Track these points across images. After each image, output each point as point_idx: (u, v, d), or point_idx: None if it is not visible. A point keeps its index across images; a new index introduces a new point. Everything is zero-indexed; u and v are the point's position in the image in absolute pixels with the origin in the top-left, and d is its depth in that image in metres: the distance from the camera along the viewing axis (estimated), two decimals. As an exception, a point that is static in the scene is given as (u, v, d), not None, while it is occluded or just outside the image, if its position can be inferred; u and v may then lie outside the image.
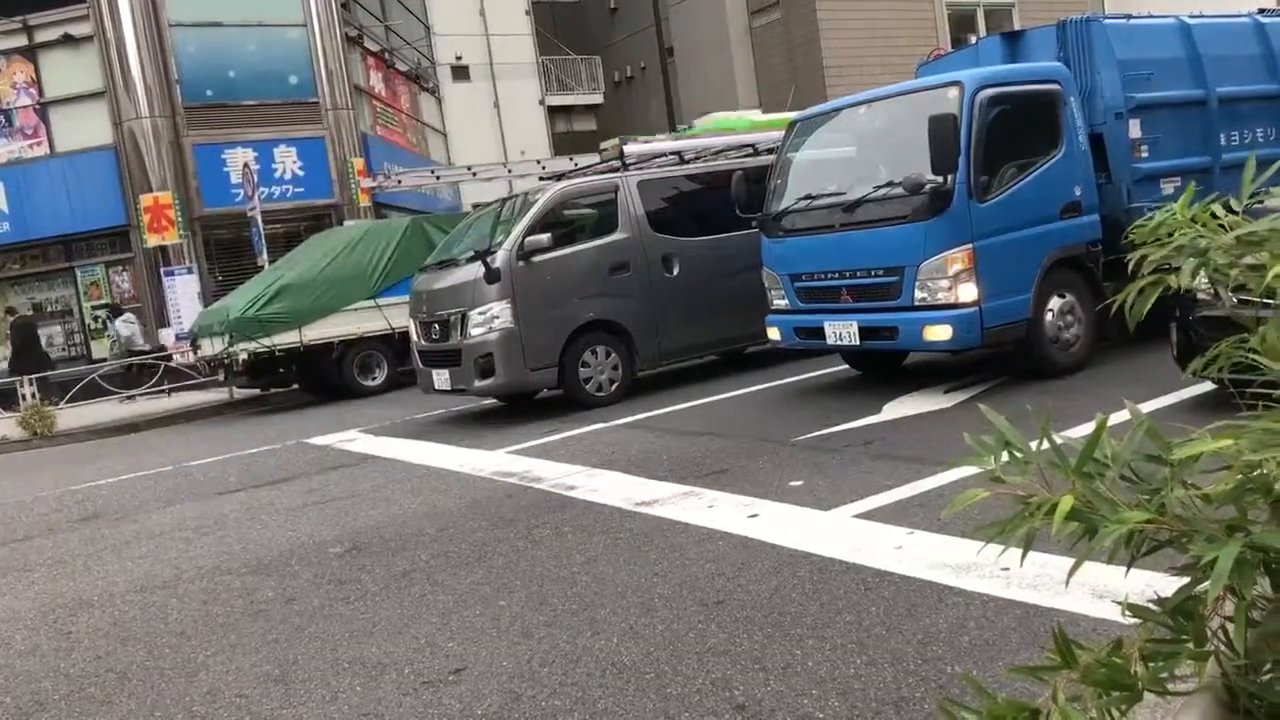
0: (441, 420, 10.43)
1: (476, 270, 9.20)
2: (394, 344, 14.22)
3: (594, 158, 12.96)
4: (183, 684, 3.83)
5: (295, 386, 15.34)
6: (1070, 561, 1.45)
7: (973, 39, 13.56)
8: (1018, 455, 1.42)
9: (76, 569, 5.98)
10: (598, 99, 31.17)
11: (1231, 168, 8.36)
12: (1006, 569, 3.71)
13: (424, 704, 3.33)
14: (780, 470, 5.98)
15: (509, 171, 18.30)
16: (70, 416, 15.08)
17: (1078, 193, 7.84)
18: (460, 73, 28.39)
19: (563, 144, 27.78)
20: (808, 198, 8.27)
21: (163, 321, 19.23)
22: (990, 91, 7.51)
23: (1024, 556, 1.44)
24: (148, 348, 17.78)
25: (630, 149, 11.18)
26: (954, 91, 7.45)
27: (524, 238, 9.22)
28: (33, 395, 15.94)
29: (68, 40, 19.51)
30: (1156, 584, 1.63)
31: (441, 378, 9.76)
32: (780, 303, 8.59)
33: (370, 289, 14.23)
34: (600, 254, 9.66)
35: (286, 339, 13.75)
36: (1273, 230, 1.55)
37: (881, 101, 8.22)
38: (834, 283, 8.03)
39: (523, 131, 27.97)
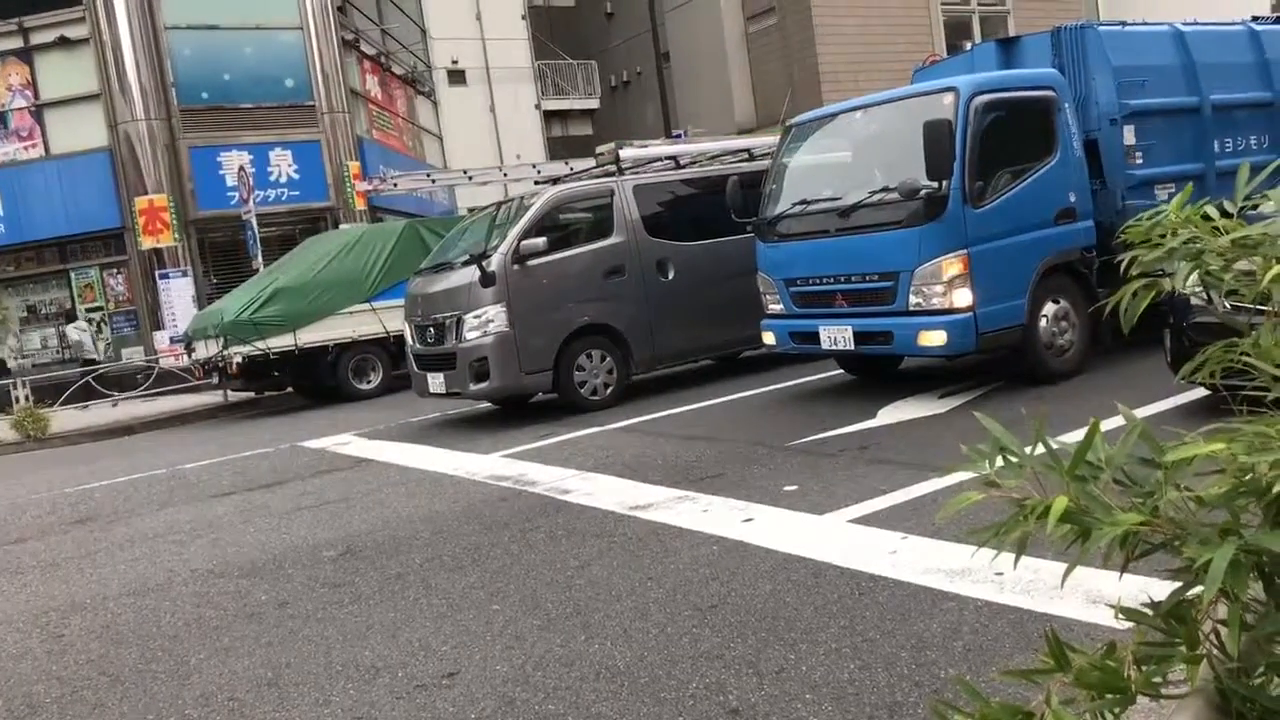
0: (436, 424, 10.42)
1: (472, 274, 9.20)
2: (389, 347, 14.23)
3: (590, 162, 12.97)
4: (175, 687, 3.82)
5: (289, 390, 15.32)
6: (1063, 567, 1.45)
7: (968, 45, 13.58)
8: (1012, 459, 1.42)
9: (69, 572, 5.97)
10: (593, 104, 31.21)
11: (1225, 175, 8.40)
12: (1000, 574, 3.71)
13: (417, 707, 3.32)
14: (775, 475, 5.98)
15: (504, 175, 18.34)
16: (65, 418, 15.05)
17: (1072, 199, 7.86)
18: (456, 77, 28.41)
19: (558, 149, 27.82)
20: (803, 203, 8.28)
21: (157, 324, 19.20)
22: (985, 97, 7.53)
23: (1017, 559, 1.44)
24: (98, 355, 17.75)
25: (626, 153, 11.20)
26: (949, 97, 7.47)
27: (519, 241, 9.23)
28: (26, 398, 15.90)
29: (63, 42, 19.51)
30: (1149, 590, 1.63)
31: (436, 381, 9.75)
32: (775, 307, 8.60)
33: (365, 292, 14.23)
34: (595, 258, 9.66)
35: (281, 342, 13.74)
36: (1266, 234, 1.56)
37: (877, 107, 8.24)
38: (829, 287, 8.04)
39: (518, 136, 28.00)
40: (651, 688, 3.23)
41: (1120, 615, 1.43)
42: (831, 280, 8.01)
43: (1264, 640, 1.33)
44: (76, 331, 17.74)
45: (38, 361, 19.29)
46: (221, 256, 19.87)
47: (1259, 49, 9.13)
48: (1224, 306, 5.31)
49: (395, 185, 18.53)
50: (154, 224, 19.00)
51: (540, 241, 9.26)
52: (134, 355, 18.97)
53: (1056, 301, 7.85)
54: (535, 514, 5.80)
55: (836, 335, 7.98)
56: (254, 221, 17.05)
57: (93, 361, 17.50)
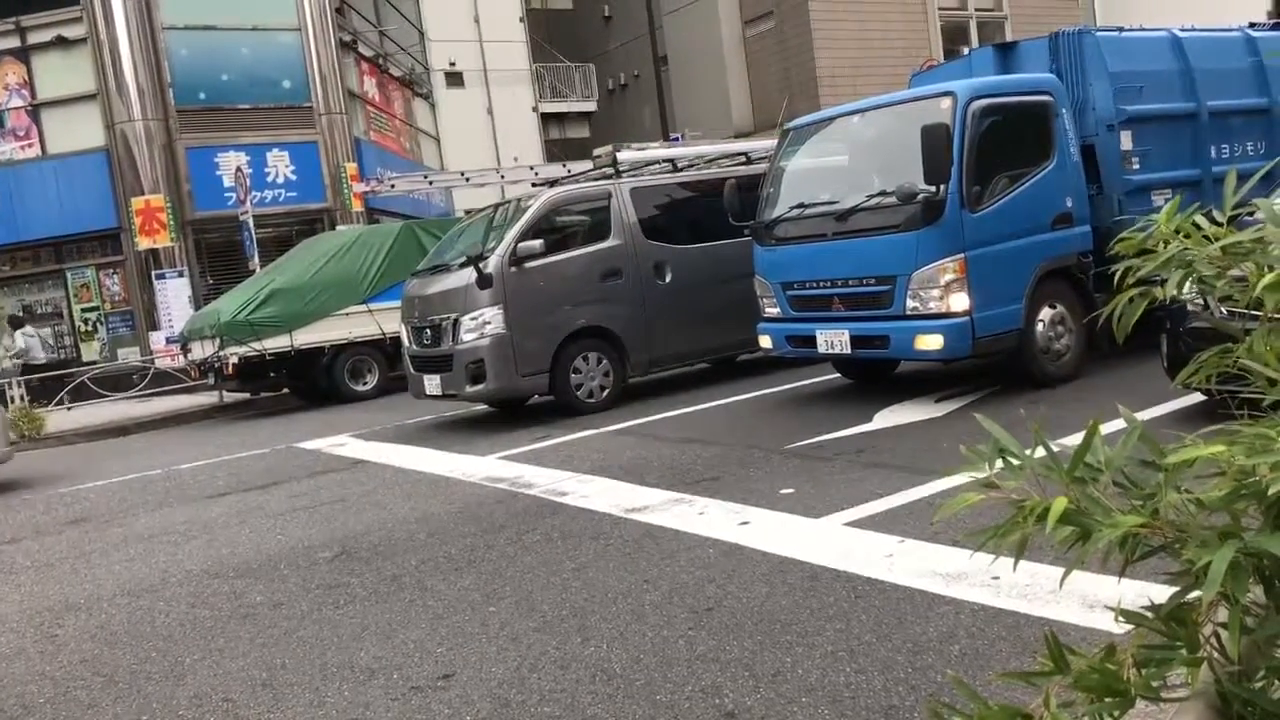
0: (432, 425, 10.41)
1: (469, 276, 9.19)
2: (385, 349, 14.21)
3: (587, 164, 12.97)
4: (169, 688, 3.80)
5: (285, 391, 15.30)
6: (1060, 571, 1.45)
7: (965, 50, 13.61)
8: (1012, 461, 1.42)
9: (63, 572, 5.95)
10: (591, 106, 31.22)
11: (1221, 181, 8.38)
12: (997, 578, 3.71)
13: (412, 709, 3.31)
14: (771, 478, 5.97)
15: (502, 177, 18.34)
16: (60, 418, 15.02)
17: (1069, 203, 7.87)
18: (454, 79, 28.41)
19: (556, 151, 27.84)
20: (800, 206, 8.29)
21: (153, 325, 19.17)
22: (983, 102, 7.54)
23: (1017, 562, 1.44)
24: (44, 360, 17.71)
25: (623, 156, 11.20)
26: (947, 101, 7.47)
27: (516, 244, 9.22)
28: (21, 397, 15.87)
29: (61, 42, 19.48)
30: (1148, 593, 1.63)
31: (433, 383, 9.74)
32: (772, 311, 8.60)
33: (362, 294, 14.21)
34: (592, 260, 9.66)
35: (277, 343, 13.72)
36: (1257, 241, 1.56)
37: (875, 111, 8.25)
38: (826, 291, 8.04)
39: (516, 138, 28.01)
40: (647, 690, 3.22)
41: (1120, 618, 1.43)
42: (828, 284, 8.01)
43: (1264, 643, 1.33)
44: (24, 338, 17.64)
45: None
46: (218, 257, 19.83)
47: (1255, 55, 9.15)
48: (1219, 312, 5.33)
49: (392, 187, 18.52)
50: (150, 224, 18.97)
51: (537, 244, 9.26)
52: (130, 355, 18.93)
53: (1053, 306, 7.85)
54: (531, 516, 5.79)
55: (833, 339, 7.98)
56: (251, 222, 17.03)
57: (40, 368, 17.40)
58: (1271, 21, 11.89)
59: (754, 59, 24.16)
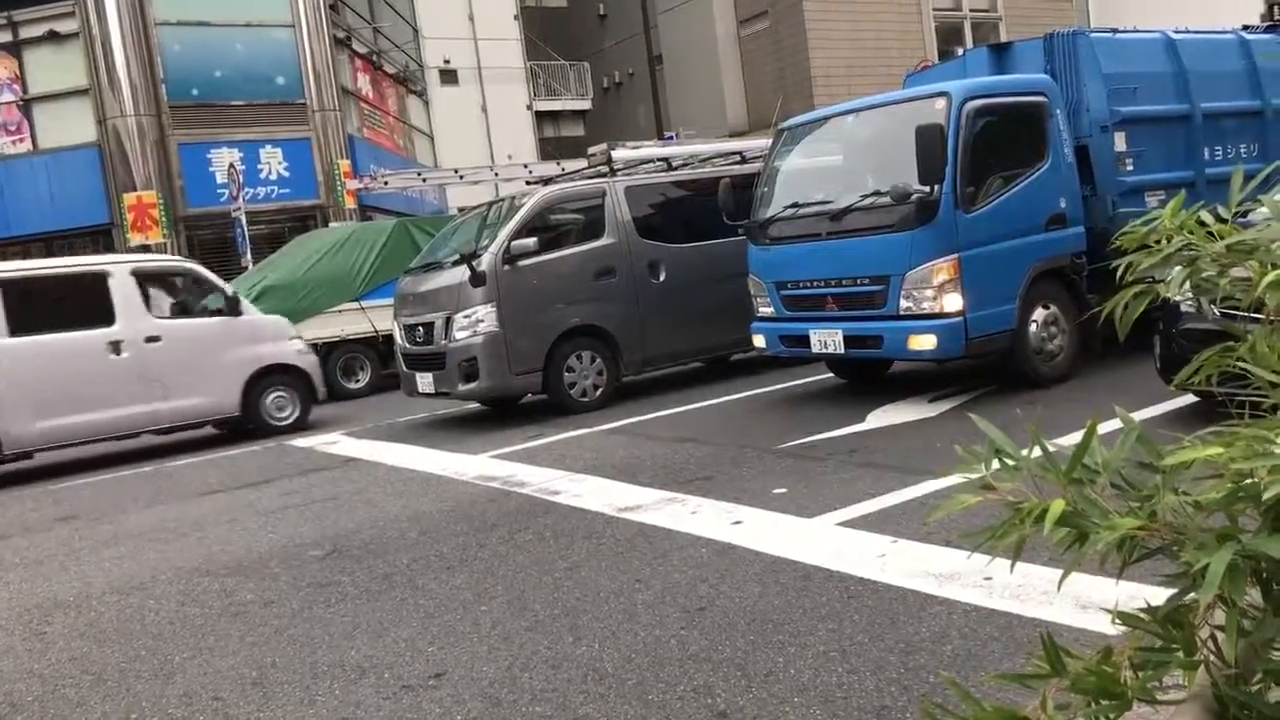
0: (425, 424, 10.38)
1: (462, 274, 9.17)
2: (378, 346, 14.17)
3: (581, 163, 12.95)
4: (159, 686, 3.78)
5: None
6: (1053, 572, 1.45)
7: (960, 51, 13.62)
8: (1008, 461, 1.41)
9: (53, 569, 5.91)
10: (586, 105, 31.22)
11: (1215, 182, 8.43)
12: (989, 579, 3.71)
13: (403, 708, 3.30)
14: (764, 477, 5.97)
15: (495, 175, 18.30)
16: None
17: (1063, 204, 7.88)
18: (448, 76, 28.37)
19: (550, 149, 27.80)
20: (795, 206, 8.28)
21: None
22: (977, 102, 7.54)
23: (1014, 564, 1.43)
24: None
25: (618, 154, 11.18)
26: (941, 102, 7.47)
27: (510, 242, 9.20)
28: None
29: (53, 37, 19.41)
30: (1142, 596, 1.62)
31: (425, 381, 9.72)
32: (766, 310, 8.59)
33: (355, 291, 14.18)
34: (586, 259, 9.64)
35: (269, 340, 13.65)
36: (1261, 239, 1.55)
37: (869, 111, 8.25)
38: (820, 291, 8.04)
39: (510, 136, 27.98)
40: (639, 690, 3.21)
41: (1117, 620, 1.42)
42: (822, 284, 8.01)
43: (1261, 646, 1.32)
44: None
45: None
46: (210, 254, 19.69)
47: (1249, 57, 9.16)
48: (1213, 313, 5.34)
49: (386, 184, 18.47)
50: (142, 220, 18.91)
51: (531, 242, 9.24)
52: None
53: (1046, 307, 7.86)
54: (524, 515, 5.77)
55: (826, 339, 7.98)
56: (243, 219, 16.99)
57: None
58: (1265, 24, 11.91)
59: (749, 58, 24.16)
